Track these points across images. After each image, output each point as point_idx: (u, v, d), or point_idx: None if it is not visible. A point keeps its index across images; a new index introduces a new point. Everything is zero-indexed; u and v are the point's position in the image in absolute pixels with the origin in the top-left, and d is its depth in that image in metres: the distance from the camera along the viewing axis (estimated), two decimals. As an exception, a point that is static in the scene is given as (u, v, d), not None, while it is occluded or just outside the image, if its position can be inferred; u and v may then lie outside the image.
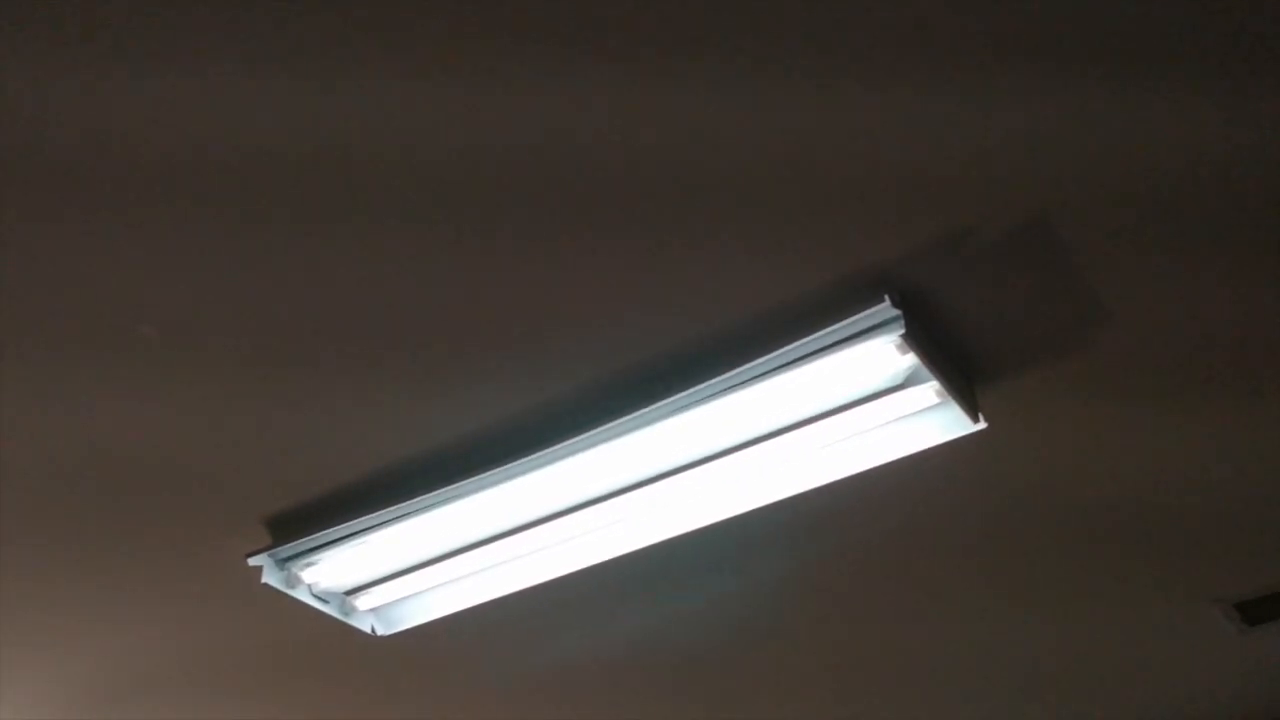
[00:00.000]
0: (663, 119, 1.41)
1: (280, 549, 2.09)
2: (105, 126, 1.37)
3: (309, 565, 2.12)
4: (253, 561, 2.09)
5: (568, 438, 1.86)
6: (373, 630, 2.29)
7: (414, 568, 2.15)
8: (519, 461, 1.90)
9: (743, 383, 1.76)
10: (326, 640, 2.43)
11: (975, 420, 1.84)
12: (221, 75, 1.32)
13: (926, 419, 1.86)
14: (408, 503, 1.99)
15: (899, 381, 1.79)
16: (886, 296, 1.64)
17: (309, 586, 2.17)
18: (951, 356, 1.81)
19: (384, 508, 2.00)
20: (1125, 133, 1.46)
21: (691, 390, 1.77)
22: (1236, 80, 1.41)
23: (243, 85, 1.34)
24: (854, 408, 1.81)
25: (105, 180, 1.44)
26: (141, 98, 1.34)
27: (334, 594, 2.21)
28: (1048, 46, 1.35)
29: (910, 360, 1.74)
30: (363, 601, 2.23)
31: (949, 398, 1.80)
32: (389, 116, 1.39)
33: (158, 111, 1.36)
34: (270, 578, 2.11)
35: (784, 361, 1.73)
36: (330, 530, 2.05)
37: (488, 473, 1.93)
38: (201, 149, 1.40)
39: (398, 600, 2.24)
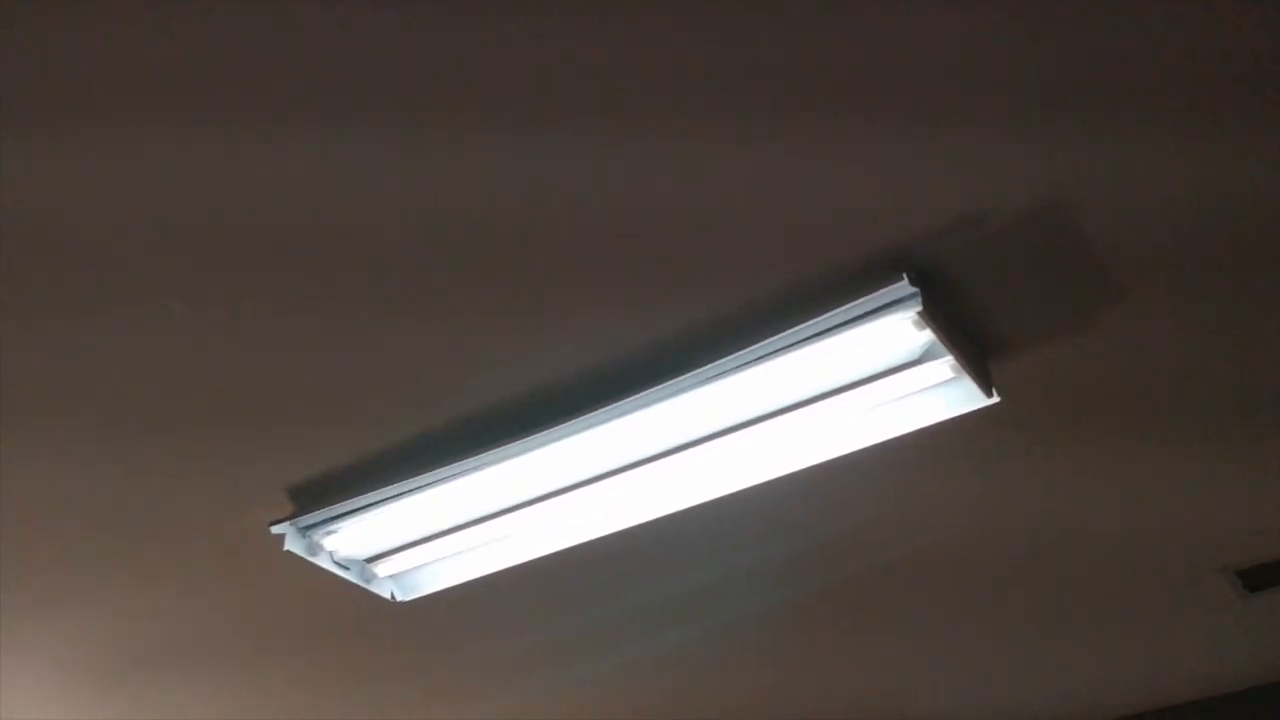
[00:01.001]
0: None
1: (302, 518, 2.12)
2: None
3: (330, 533, 2.15)
4: (275, 530, 2.13)
5: (590, 410, 1.89)
6: (392, 596, 2.32)
7: (433, 536, 2.18)
8: (542, 433, 1.92)
9: (766, 356, 1.78)
10: (346, 606, 2.47)
11: (989, 395, 1.87)
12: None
13: (942, 393, 1.89)
14: (428, 474, 2.02)
15: (915, 356, 1.81)
16: (905, 275, 1.67)
17: (330, 554, 2.20)
18: (967, 333, 1.84)
19: (404, 479, 2.04)
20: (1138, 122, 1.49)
21: (715, 364, 1.80)
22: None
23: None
24: (872, 381, 1.84)
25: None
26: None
27: (354, 561, 2.25)
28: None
29: (926, 336, 1.76)
30: (383, 568, 2.26)
31: (964, 373, 1.82)
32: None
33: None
34: (293, 545, 2.14)
35: (806, 336, 1.76)
36: (352, 500, 2.08)
37: (507, 445, 1.95)
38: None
39: (417, 567, 2.28)
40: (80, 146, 1.42)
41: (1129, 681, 3.12)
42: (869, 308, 1.72)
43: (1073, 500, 2.29)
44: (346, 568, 2.24)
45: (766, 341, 1.76)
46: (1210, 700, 3.20)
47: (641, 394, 1.86)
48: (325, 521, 2.13)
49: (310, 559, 2.18)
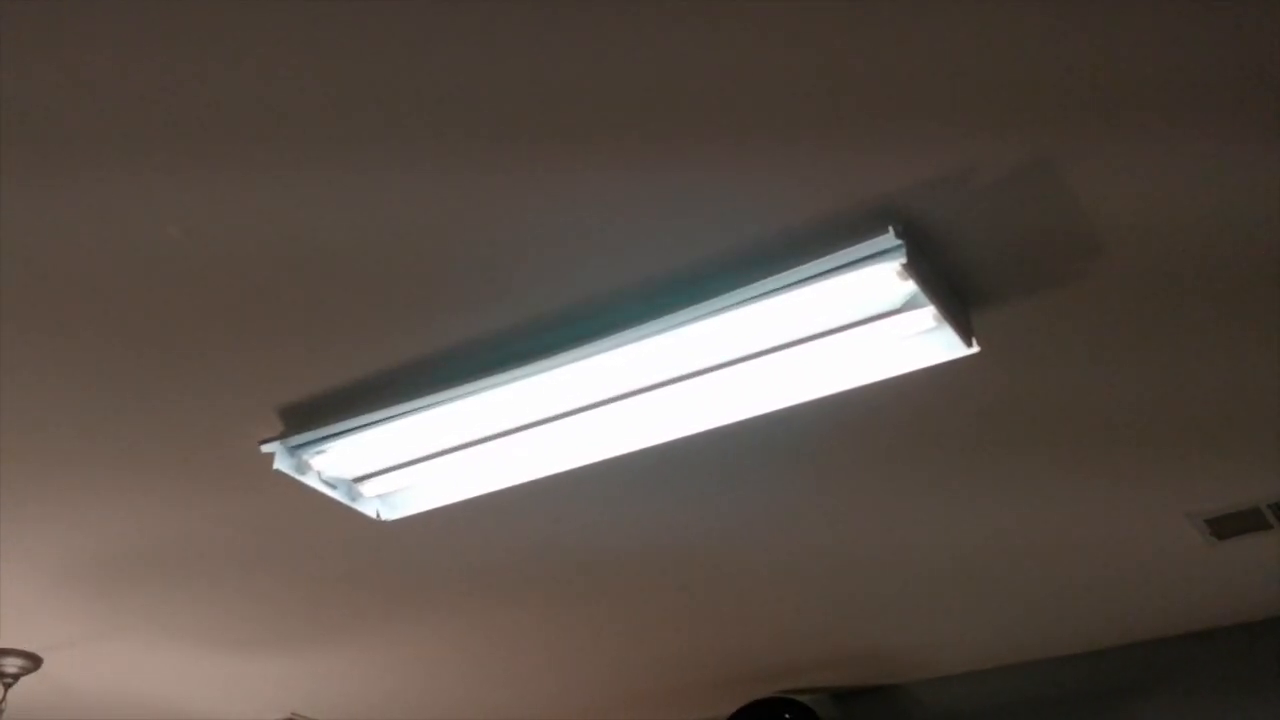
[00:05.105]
0: (684, 50, 1.45)
1: (292, 437, 2.15)
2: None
3: (319, 453, 2.19)
4: (266, 448, 2.16)
5: (579, 344, 1.92)
6: (377, 515, 2.37)
7: (417, 460, 2.21)
8: (531, 364, 1.96)
9: (755, 298, 1.81)
10: (332, 524, 2.52)
11: (969, 344, 1.90)
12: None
13: (924, 340, 1.92)
14: (413, 400, 2.05)
15: (898, 305, 1.84)
16: (890, 227, 1.69)
17: (318, 473, 2.24)
18: (949, 284, 1.87)
19: (391, 404, 2.07)
20: (1126, 70, 1.50)
21: (706, 303, 1.83)
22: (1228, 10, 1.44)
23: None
24: (856, 327, 1.87)
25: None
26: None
27: (341, 481, 2.29)
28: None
29: (910, 286, 1.79)
30: (368, 488, 2.30)
31: (945, 322, 1.85)
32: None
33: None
34: (282, 464, 2.18)
35: (794, 280, 1.78)
36: (341, 422, 2.11)
37: (493, 375, 1.99)
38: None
39: (401, 489, 2.32)
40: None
41: (1099, 620, 3.19)
42: (855, 257, 1.74)
43: (1044, 446, 2.34)
44: (334, 487, 2.28)
45: (757, 284, 1.79)
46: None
47: (635, 328, 1.88)
48: (314, 442, 2.16)
49: (298, 477, 2.22)
